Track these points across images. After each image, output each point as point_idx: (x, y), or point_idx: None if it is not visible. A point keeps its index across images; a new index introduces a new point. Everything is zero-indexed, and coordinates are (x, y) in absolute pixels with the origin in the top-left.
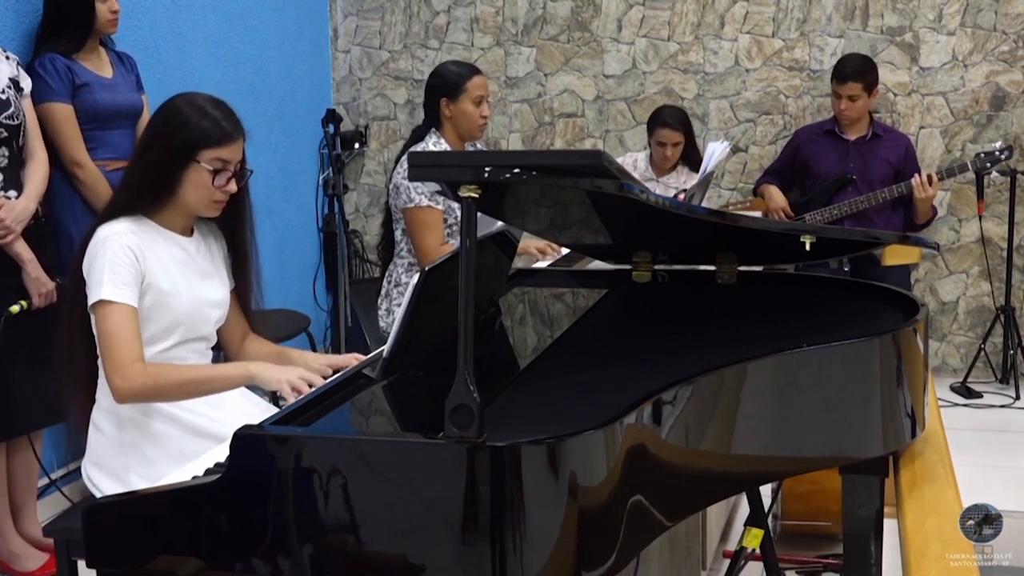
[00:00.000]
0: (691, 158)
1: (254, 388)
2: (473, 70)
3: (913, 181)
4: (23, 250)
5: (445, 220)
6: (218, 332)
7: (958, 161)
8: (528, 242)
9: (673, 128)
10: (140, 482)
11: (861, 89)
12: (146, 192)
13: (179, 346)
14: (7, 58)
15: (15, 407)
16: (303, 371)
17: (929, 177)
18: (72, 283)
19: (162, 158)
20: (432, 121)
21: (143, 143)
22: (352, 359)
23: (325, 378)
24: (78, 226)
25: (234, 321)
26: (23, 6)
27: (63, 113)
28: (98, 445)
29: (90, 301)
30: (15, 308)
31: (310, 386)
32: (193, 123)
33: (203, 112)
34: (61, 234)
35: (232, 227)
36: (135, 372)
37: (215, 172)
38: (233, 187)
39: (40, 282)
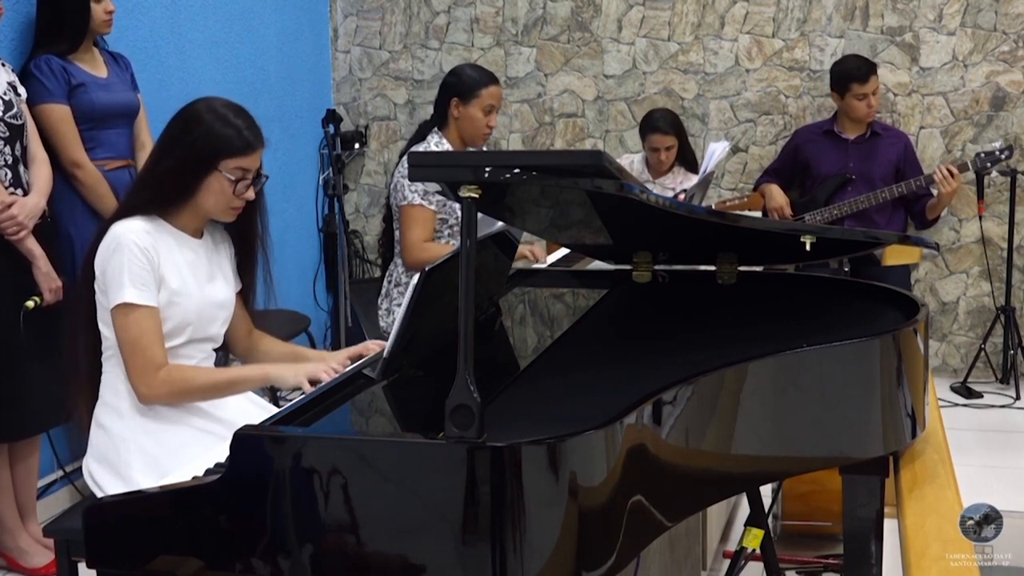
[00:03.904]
0: (686, 158)
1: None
2: (491, 79)
3: (936, 176)
4: (34, 246)
5: (445, 220)
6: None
7: (958, 161)
8: (521, 248)
9: (665, 133)
10: (141, 478)
11: (879, 83)
12: (163, 196)
13: (187, 345)
14: (3, 65)
15: (26, 406)
16: (318, 364)
17: (946, 170)
18: (81, 279)
19: (182, 165)
20: (439, 119)
21: (161, 147)
22: (370, 347)
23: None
24: (77, 227)
25: (238, 320)
26: (17, 7)
27: (60, 114)
28: (100, 441)
29: (111, 304)
30: (30, 303)
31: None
32: (216, 131)
33: (226, 121)
34: (61, 235)
35: (242, 230)
36: (159, 380)
37: (236, 181)
38: (252, 195)
39: (50, 278)
